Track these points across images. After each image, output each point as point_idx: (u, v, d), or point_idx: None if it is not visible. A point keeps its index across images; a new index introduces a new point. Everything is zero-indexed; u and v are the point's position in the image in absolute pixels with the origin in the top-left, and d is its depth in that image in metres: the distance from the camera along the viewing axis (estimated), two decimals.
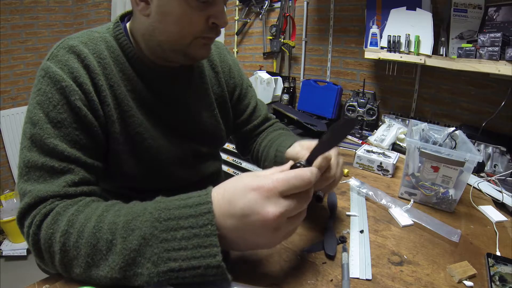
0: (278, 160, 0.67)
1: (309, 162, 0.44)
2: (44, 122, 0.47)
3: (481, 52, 1.05)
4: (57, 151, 0.46)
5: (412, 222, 0.64)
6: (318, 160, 0.47)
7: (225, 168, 1.75)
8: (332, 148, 0.48)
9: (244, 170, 1.65)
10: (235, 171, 1.70)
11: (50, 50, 0.52)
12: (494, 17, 1.10)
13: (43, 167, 0.46)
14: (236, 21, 2.12)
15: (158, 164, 0.62)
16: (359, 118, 1.51)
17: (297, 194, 0.38)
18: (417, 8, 1.29)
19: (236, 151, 0.92)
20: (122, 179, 0.61)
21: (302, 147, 0.59)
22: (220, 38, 2.25)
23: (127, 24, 0.59)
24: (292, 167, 0.43)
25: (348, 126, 0.47)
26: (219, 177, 0.82)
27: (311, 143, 0.57)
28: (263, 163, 0.76)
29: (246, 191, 0.37)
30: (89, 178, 0.50)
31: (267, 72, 1.91)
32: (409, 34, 1.27)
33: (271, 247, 0.41)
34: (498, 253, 0.56)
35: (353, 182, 0.78)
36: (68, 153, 0.47)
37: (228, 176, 0.45)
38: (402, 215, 0.65)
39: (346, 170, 0.87)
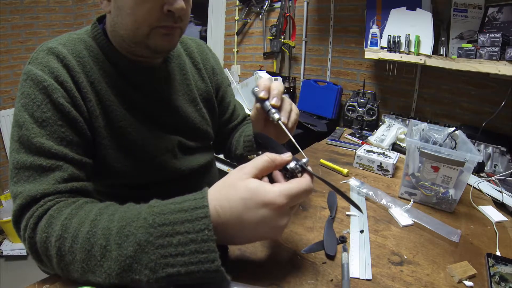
0: (247, 145, 0.72)
1: (303, 169, 0.44)
2: (30, 123, 0.48)
3: (481, 52, 1.05)
4: (44, 149, 0.47)
5: (412, 222, 0.64)
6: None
7: (225, 168, 1.74)
8: (325, 184, 0.48)
9: None
10: None
11: (31, 55, 0.54)
12: (495, 17, 1.10)
13: (32, 166, 0.46)
14: (236, 21, 2.12)
15: (145, 157, 0.62)
16: (359, 118, 1.51)
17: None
18: (417, 8, 1.29)
19: None
20: (112, 176, 0.61)
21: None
22: (220, 38, 2.25)
23: (105, 26, 0.60)
24: (284, 169, 0.43)
25: (345, 198, 0.47)
26: (211, 169, 0.82)
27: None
28: (234, 152, 0.80)
29: (258, 207, 0.38)
30: (78, 174, 0.50)
31: (267, 72, 1.91)
32: (409, 34, 1.27)
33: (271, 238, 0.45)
34: (498, 253, 0.56)
35: (353, 182, 0.78)
36: (55, 150, 0.47)
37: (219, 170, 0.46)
38: (402, 215, 0.65)
39: (346, 170, 0.87)
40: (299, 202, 0.42)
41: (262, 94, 0.52)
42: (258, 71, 1.88)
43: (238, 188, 0.39)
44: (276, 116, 0.51)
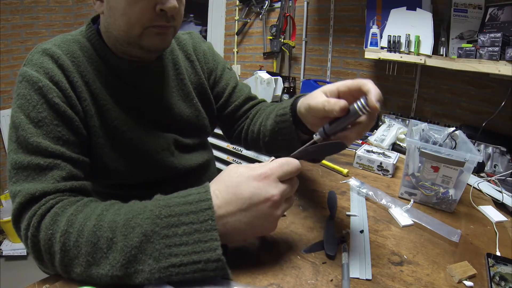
0: (280, 126, 0.58)
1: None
2: (26, 123, 0.48)
3: (481, 52, 1.05)
4: (41, 149, 0.47)
5: (412, 222, 0.64)
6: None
7: (224, 167, 1.74)
8: (316, 157, 0.50)
9: None
10: None
11: (26, 57, 0.54)
12: (495, 17, 1.10)
13: (30, 166, 0.47)
14: (236, 21, 2.12)
15: (141, 155, 0.63)
16: None
17: (289, 179, 0.44)
18: (417, 8, 1.29)
19: (235, 148, 0.91)
20: (108, 176, 0.61)
21: (319, 93, 0.48)
22: (220, 38, 2.25)
23: (99, 26, 0.60)
24: None
25: (337, 148, 0.48)
26: (210, 168, 0.81)
27: (323, 89, 0.49)
28: (262, 140, 0.68)
29: (249, 180, 0.41)
30: (76, 173, 0.50)
31: (267, 72, 1.91)
32: (409, 34, 1.27)
33: (272, 229, 0.45)
34: (498, 253, 0.56)
35: (353, 182, 0.78)
36: (52, 149, 0.48)
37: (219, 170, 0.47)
38: (402, 215, 0.65)
39: (346, 170, 0.87)
40: (293, 182, 0.44)
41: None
42: (258, 71, 1.88)
43: (232, 173, 0.43)
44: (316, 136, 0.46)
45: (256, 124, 0.71)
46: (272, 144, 0.65)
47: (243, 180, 0.41)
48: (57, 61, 0.53)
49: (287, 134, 0.58)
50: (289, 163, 0.43)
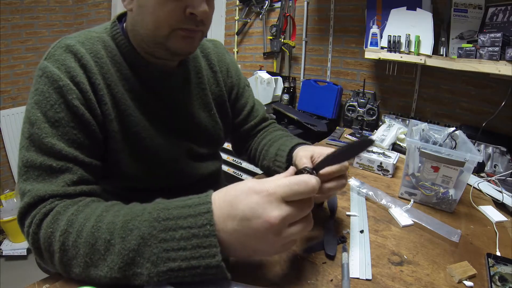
0: (278, 159, 0.68)
1: (315, 170, 0.44)
2: (42, 122, 0.47)
3: (481, 52, 1.05)
4: (54, 150, 0.47)
5: (412, 222, 0.64)
6: (333, 168, 0.48)
7: (225, 168, 1.75)
8: (342, 161, 0.47)
9: (244, 170, 1.66)
10: (235, 171, 1.70)
11: (47, 50, 0.52)
12: (495, 17, 1.10)
13: (41, 166, 0.46)
14: (236, 21, 2.12)
15: (156, 163, 0.62)
16: (359, 118, 1.51)
17: (299, 200, 0.38)
18: (417, 8, 1.29)
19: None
20: (122, 178, 0.61)
21: (305, 154, 0.56)
22: (221, 38, 2.25)
23: (125, 24, 0.59)
24: (297, 173, 0.43)
25: (365, 146, 0.45)
26: (219, 177, 0.82)
27: (314, 150, 0.56)
28: (260, 162, 0.76)
29: (249, 193, 0.37)
30: (88, 177, 0.50)
31: (267, 72, 1.91)
32: (409, 34, 1.27)
33: (270, 254, 0.41)
34: (498, 253, 0.56)
35: (353, 182, 0.78)
36: (66, 152, 0.47)
37: (228, 176, 0.45)
38: (402, 215, 0.65)
39: None
40: (303, 204, 0.38)
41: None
42: (258, 71, 1.88)
43: (238, 184, 0.39)
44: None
45: (260, 144, 0.78)
46: (269, 168, 0.73)
47: (244, 191, 0.38)
48: (80, 60, 0.51)
49: (283, 168, 0.66)
50: (300, 182, 0.37)
